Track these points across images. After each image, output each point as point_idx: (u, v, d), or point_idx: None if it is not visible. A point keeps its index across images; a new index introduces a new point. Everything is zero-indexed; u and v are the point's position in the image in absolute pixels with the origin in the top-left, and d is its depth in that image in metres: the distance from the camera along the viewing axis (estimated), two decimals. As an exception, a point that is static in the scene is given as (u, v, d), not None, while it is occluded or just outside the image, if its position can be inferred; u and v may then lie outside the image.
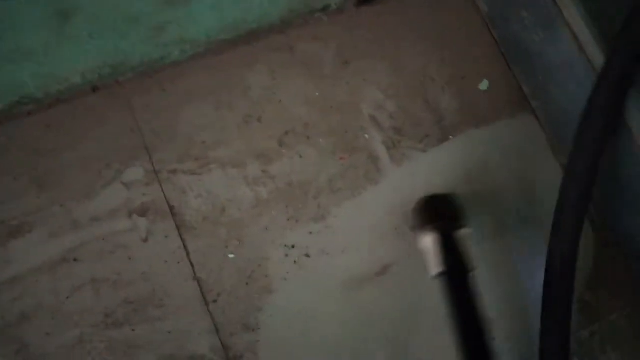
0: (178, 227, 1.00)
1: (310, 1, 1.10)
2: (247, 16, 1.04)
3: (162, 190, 1.02)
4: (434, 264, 0.90)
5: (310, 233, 1.04)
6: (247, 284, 1.00)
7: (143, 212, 1.02)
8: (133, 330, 0.96)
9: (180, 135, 1.06)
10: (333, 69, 1.14)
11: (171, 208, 1.02)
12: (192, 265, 0.99)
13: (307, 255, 1.02)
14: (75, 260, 0.98)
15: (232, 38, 1.10)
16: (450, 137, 1.14)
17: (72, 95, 1.06)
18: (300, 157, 1.08)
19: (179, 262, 0.99)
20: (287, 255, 1.02)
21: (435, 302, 0.97)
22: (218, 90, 1.09)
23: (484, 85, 1.17)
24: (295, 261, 1.02)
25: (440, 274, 0.89)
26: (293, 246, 1.03)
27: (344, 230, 1.05)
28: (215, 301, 0.99)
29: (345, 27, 1.18)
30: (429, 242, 0.91)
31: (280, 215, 1.04)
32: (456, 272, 0.88)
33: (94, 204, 1.01)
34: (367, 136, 1.10)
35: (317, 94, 1.12)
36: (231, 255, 1.00)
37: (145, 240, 1.00)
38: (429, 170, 1.11)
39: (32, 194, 1.01)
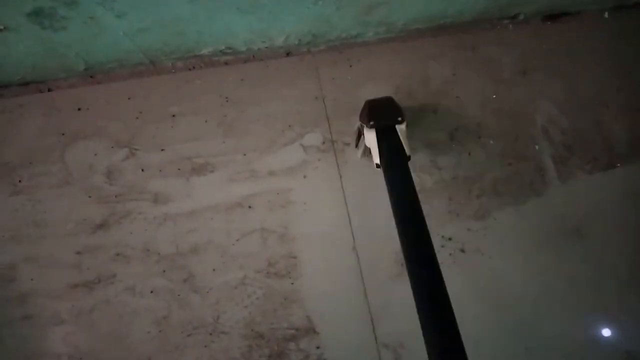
0: (345, 198, 1.03)
1: (505, 7, 1.11)
2: (447, 10, 1.07)
3: (336, 160, 1.06)
4: (376, 155, 0.95)
5: (469, 230, 1.05)
6: (402, 264, 1.01)
7: (316, 176, 1.05)
8: (292, 283, 0.99)
9: (356, 110, 1.09)
10: (512, 75, 1.15)
11: (340, 178, 1.05)
12: (354, 238, 1.02)
13: (462, 251, 1.03)
14: (249, 207, 1.02)
15: (424, 28, 1.13)
16: (618, 165, 1.13)
17: (267, 55, 1.12)
18: (469, 154, 1.09)
19: (341, 232, 1.02)
20: (443, 246, 1.03)
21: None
22: (400, 75, 1.12)
23: (658, 118, 1.15)
24: (450, 254, 1.03)
25: (381, 162, 0.93)
26: (450, 239, 1.04)
27: (503, 234, 1.05)
28: (368, 275, 1.01)
29: (529, 37, 1.19)
30: (371, 137, 0.96)
31: (441, 206, 1.06)
32: (394, 160, 0.92)
33: (273, 159, 1.06)
34: (537, 147, 1.11)
35: (494, 96, 1.13)
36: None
37: (314, 202, 1.04)
38: (593, 193, 1.10)
39: (219, 138, 1.06)
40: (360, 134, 1.03)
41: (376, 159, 0.94)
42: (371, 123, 0.95)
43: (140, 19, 0.93)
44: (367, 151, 1.00)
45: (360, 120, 0.99)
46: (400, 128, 0.95)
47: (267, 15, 0.97)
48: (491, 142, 1.11)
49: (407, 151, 0.93)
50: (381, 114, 0.98)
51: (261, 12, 0.96)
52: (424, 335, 0.70)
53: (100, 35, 0.95)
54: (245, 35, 1.03)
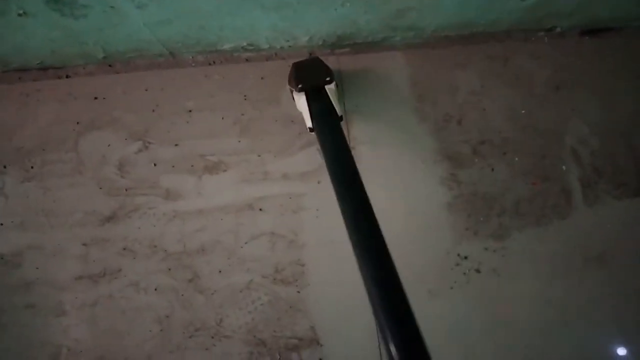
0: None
1: (541, 19, 1.06)
2: (480, 18, 1.02)
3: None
4: (308, 119, 0.93)
5: (486, 249, 1.01)
6: (413, 281, 0.97)
7: (330, 183, 1.02)
8: (298, 292, 0.96)
9: (376, 116, 1.06)
10: (543, 91, 1.10)
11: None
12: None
13: (478, 271, 0.99)
14: (260, 209, 1.00)
15: (454, 36, 1.08)
16: (652, 192, 1.07)
17: (290, 54, 1.09)
18: (492, 170, 1.04)
19: (348, 241, 0.98)
20: (457, 265, 0.99)
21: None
22: (425, 82, 1.08)
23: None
24: (464, 273, 0.99)
25: (313, 125, 0.91)
26: (466, 257, 1.00)
27: (521, 256, 1.01)
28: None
29: (564, 52, 1.13)
30: (302, 101, 0.94)
31: (459, 222, 1.02)
32: (326, 121, 0.90)
33: (288, 162, 1.03)
34: (564, 167, 1.06)
35: (523, 111, 1.08)
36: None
37: (327, 210, 1.01)
38: (619, 220, 1.05)
39: (234, 136, 1.04)
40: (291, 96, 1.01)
41: (308, 123, 0.93)
42: (299, 86, 0.93)
43: (161, 10, 0.90)
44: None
45: (289, 84, 0.97)
46: (330, 88, 0.93)
47: (292, 14, 0.94)
48: (516, 159, 1.06)
49: (339, 111, 0.91)
50: (309, 76, 0.96)
51: (286, 10, 0.93)
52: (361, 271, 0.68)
53: (120, 25, 0.92)
54: (268, 32, 1.00)
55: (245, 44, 1.03)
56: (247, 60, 1.08)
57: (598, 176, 1.07)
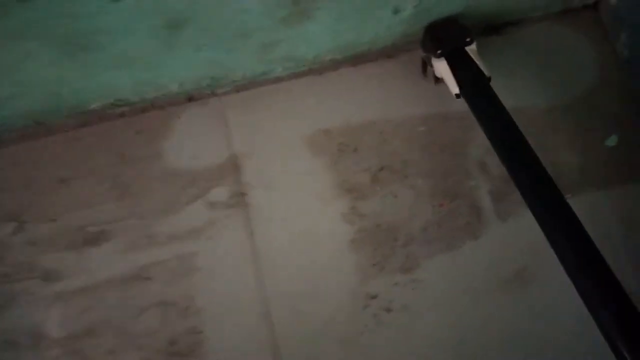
0: (256, 258, 0.93)
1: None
2: (360, 39, 0.95)
3: (247, 215, 0.96)
4: (453, 85, 0.90)
5: (396, 284, 0.94)
6: (321, 332, 0.91)
7: (224, 236, 0.95)
8: (196, 363, 0.90)
9: (267, 156, 0.99)
10: (444, 102, 1.03)
11: (252, 235, 0.95)
12: (268, 305, 0.92)
13: (388, 310, 0.93)
14: (147, 278, 0.93)
15: (340, 58, 1.01)
16: (568, 195, 1.00)
17: (167, 102, 1.02)
18: (395, 197, 0.98)
19: (251, 298, 0.92)
20: (365, 307, 0.93)
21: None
22: (318, 110, 1.01)
23: (611, 141, 1.02)
24: (374, 315, 0.92)
25: (461, 91, 0.89)
26: (374, 297, 0.93)
27: (434, 287, 0.95)
28: (286, 346, 0.91)
29: (463, 57, 1.06)
30: (442, 66, 0.91)
31: (364, 259, 0.95)
32: (476, 86, 0.89)
33: (174, 221, 0.96)
34: (472, 183, 0.99)
35: (423, 128, 1.01)
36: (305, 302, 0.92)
37: (222, 267, 0.94)
38: (536, 232, 0.98)
39: (113, 201, 0.97)
40: (425, 65, 0.98)
41: (454, 89, 0.89)
42: (438, 52, 0.89)
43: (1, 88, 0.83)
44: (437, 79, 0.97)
45: (424, 50, 0.94)
46: (472, 49, 0.90)
47: (146, 66, 0.87)
48: (420, 181, 0.99)
49: (486, 72, 0.88)
50: (447, 38, 0.92)
51: (138, 64, 0.86)
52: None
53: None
54: (131, 87, 0.93)
55: (112, 100, 0.96)
56: (121, 115, 1.01)
57: (510, 187, 1.00)
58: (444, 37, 0.94)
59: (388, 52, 1.04)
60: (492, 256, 0.97)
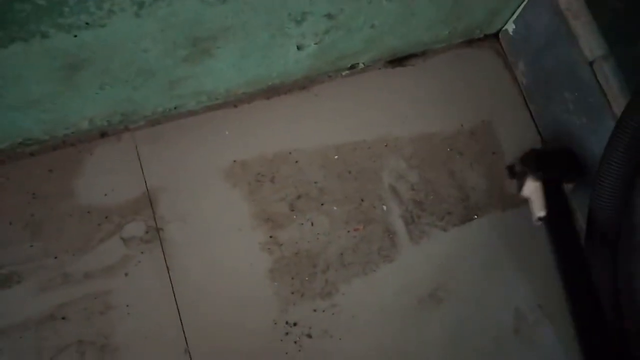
0: (175, 293, 0.94)
1: (336, 62, 1.03)
2: (270, 72, 0.97)
3: (163, 250, 0.96)
4: (539, 209, 0.90)
5: (315, 310, 0.97)
6: (241, 362, 0.92)
7: (140, 272, 0.95)
8: (114, 402, 0.89)
9: (184, 189, 0.99)
10: (355, 132, 1.07)
11: (168, 270, 0.95)
12: (185, 338, 0.92)
13: (309, 336, 0.95)
14: (63, 318, 0.92)
15: (253, 91, 1.03)
16: (475, 217, 1.06)
17: (79, 139, 1.01)
18: (312, 224, 1.01)
19: (171, 333, 0.92)
20: (287, 334, 0.95)
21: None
22: (232, 143, 1.03)
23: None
24: (295, 341, 0.94)
25: (544, 217, 0.90)
26: (295, 324, 0.96)
27: (352, 311, 0.98)
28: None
29: (373, 87, 1.11)
30: (533, 187, 0.92)
31: (284, 287, 0.97)
32: (562, 223, 0.90)
33: (89, 259, 0.96)
34: (384, 207, 1.03)
35: (336, 157, 1.05)
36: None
37: (139, 303, 0.93)
38: (448, 252, 1.03)
39: (26, 241, 0.95)
40: (517, 174, 0.97)
41: (538, 212, 0.89)
42: (538, 173, 0.90)
43: None
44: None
45: (524, 163, 0.94)
46: (568, 186, 0.92)
47: (51, 107, 0.86)
48: (335, 208, 1.02)
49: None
50: (553, 165, 0.93)
51: (41, 106, 0.85)
52: None
53: None
54: (40, 125, 0.92)
55: (21, 139, 0.94)
56: (31, 154, 0.99)
57: (421, 210, 1.05)
58: (551, 165, 0.95)
59: (301, 84, 1.07)
60: (406, 277, 1.01)
